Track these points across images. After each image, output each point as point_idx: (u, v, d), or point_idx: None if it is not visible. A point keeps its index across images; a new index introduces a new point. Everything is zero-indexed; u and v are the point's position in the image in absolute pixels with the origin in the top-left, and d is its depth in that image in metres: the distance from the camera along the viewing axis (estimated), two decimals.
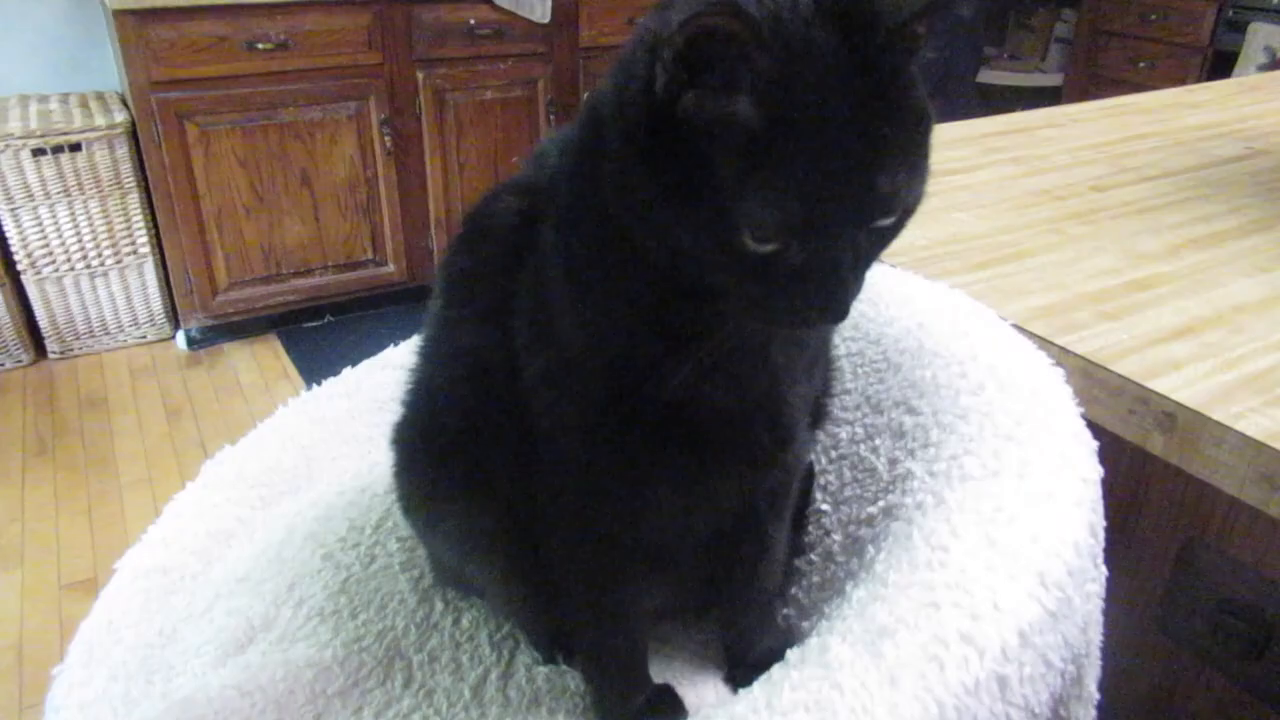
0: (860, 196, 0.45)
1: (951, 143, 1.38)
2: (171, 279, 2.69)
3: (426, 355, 0.67)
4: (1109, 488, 0.79)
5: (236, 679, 0.66)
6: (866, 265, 0.50)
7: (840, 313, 0.48)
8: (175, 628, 0.75)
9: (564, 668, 0.71)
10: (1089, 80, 3.45)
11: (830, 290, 0.47)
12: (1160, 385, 0.74)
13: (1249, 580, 0.73)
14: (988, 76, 3.84)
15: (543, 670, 0.70)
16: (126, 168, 2.57)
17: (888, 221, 0.48)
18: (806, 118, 0.43)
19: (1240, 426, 0.69)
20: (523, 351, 0.55)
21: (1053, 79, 3.77)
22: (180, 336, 2.79)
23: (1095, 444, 0.68)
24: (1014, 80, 3.83)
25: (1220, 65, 3.09)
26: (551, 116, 2.96)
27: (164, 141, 2.49)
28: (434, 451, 0.66)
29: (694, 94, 0.44)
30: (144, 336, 2.81)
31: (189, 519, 0.85)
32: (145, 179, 2.57)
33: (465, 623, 0.74)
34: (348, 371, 1.01)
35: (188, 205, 2.57)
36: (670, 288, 0.50)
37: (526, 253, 0.56)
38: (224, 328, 2.79)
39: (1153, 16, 3.25)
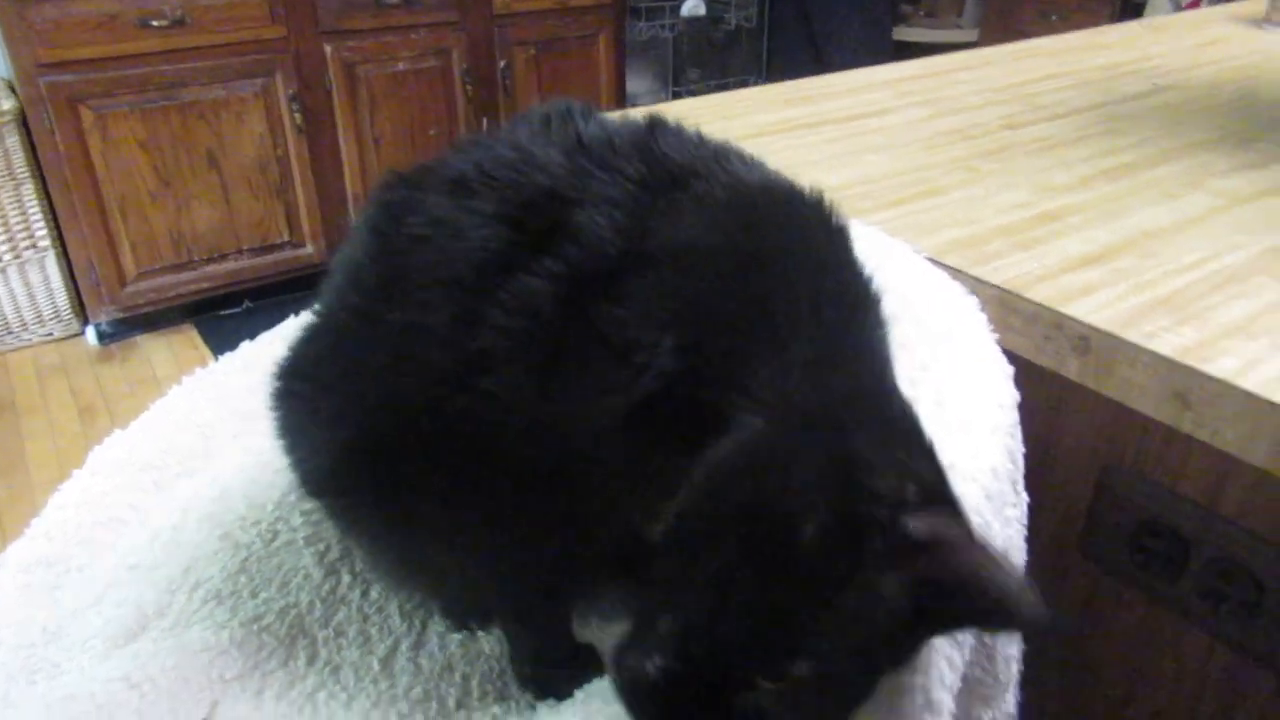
0: None
1: (864, 87, 1.37)
2: (76, 272, 2.57)
3: (345, 329, 0.60)
4: (1027, 417, 0.79)
5: (124, 670, 0.61)
6: None
7: None
8: (60, 624, 0.70)
9: (480, 634, 0.68)
10: (1004, 35, 3.47)
11: None
12: (1074, 310, 0.73)
13: (1166, 501, 0.73)
14: (905, 34, 3.86)
15: (457, 637, 0.67)
16: (19, 157, 2.44)
17: None
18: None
19: (1153, 346, 0.68)
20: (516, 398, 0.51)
21: (969, 35, 3.80)
22: (90, 331, 2.67)
23: (1011, 369, 0.67)
24: (931, 37, 3.85)
25: (1129, 17, 3.15)
26: (468, 86, 2.89)
27: (57, 128, 2.37)
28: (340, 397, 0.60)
29: (885, 551, 0.41)
30: (50, 334, 2.68)
31: (75, 509, 0.79)
32: (40, 168, 2.44)
33: (374, 594, 0.70)
34: (245, 345, 0.96)
35: (87, 194, 2.46)
36: None
37: (543, 321, 0.50)
38: (136, 320, 2.68)
39: None
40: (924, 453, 0.47)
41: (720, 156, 0.58)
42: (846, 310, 0.53)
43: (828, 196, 0.61)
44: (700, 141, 0.59)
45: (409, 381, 0.55)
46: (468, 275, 0.53)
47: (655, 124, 0.59)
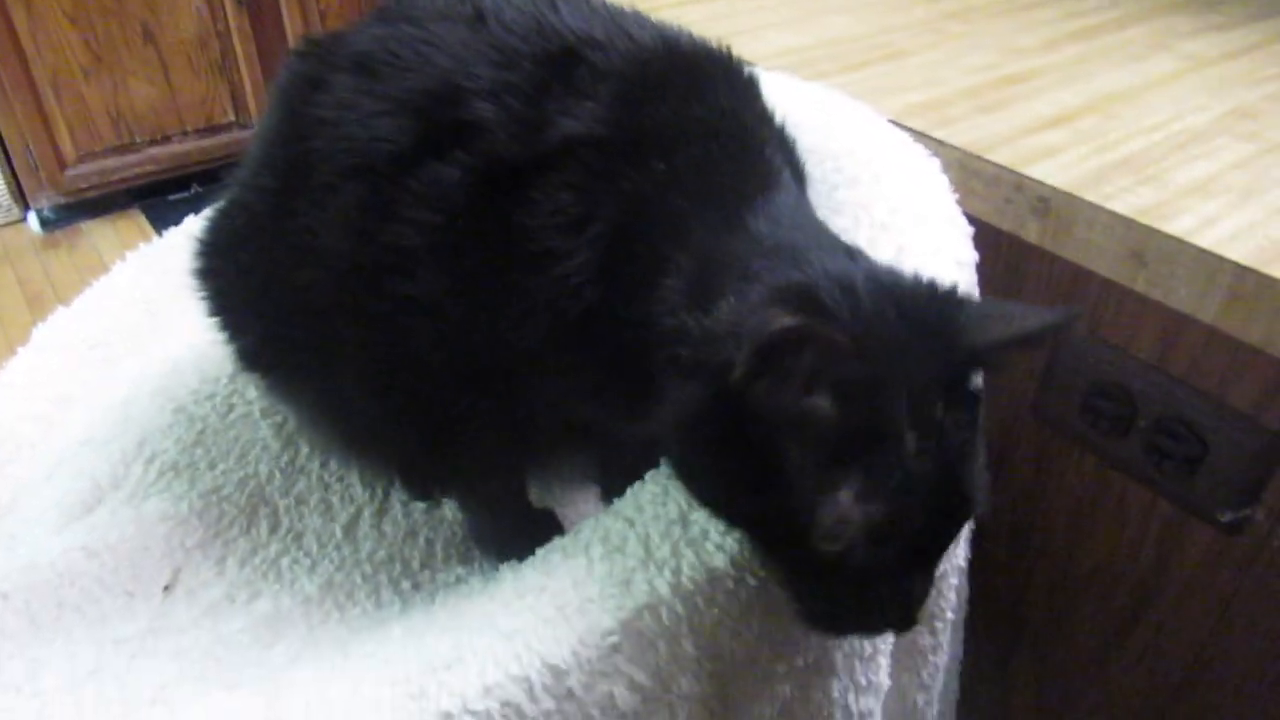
0: (948, 503, 0.43)
1: None
2: (11, 155, 2.45)
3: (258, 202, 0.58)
4: (986, 281, 0.79)
5: (82, 540, 0.61)
6: (934, 568, 0.47)
7: (908, 621, 0.46)
8: (15, 498, 0.69)
9: (445, 501, 0.68)
10: None
11: (901, 598, 0.45)
12: (1035, 171, 0.72)
13: (1117, 361, 0.75)
14: None
15: (420, 505, 0.68)
16: None
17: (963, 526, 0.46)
18: (892, 423, 0.41)
19: (1111, 206, 0.68)
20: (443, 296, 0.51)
21: None
22: (32, 218, 2.57)
23: (970, 229, 0.67)
24: None
25: None
26: None
27: None
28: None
29: (767, 383, 0.41)
30: None
31: (22, 387, 0.78)
32: None
33: (334, 465, 0.70)
34: (190, 220, 0.93)
35: (16, 71, 2.32)
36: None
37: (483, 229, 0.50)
38: (80, 205, 2.58)
39: None
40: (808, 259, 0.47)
41: (618, 19, 0.56)
42: (749, 169, 0.53)
43: (733, 49, 0.59)
44: (599, 6, 0.57)
45: (318, 275, 0.54)
46: (376, 163, 0.51)
47: None
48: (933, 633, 0.71)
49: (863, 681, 0.57)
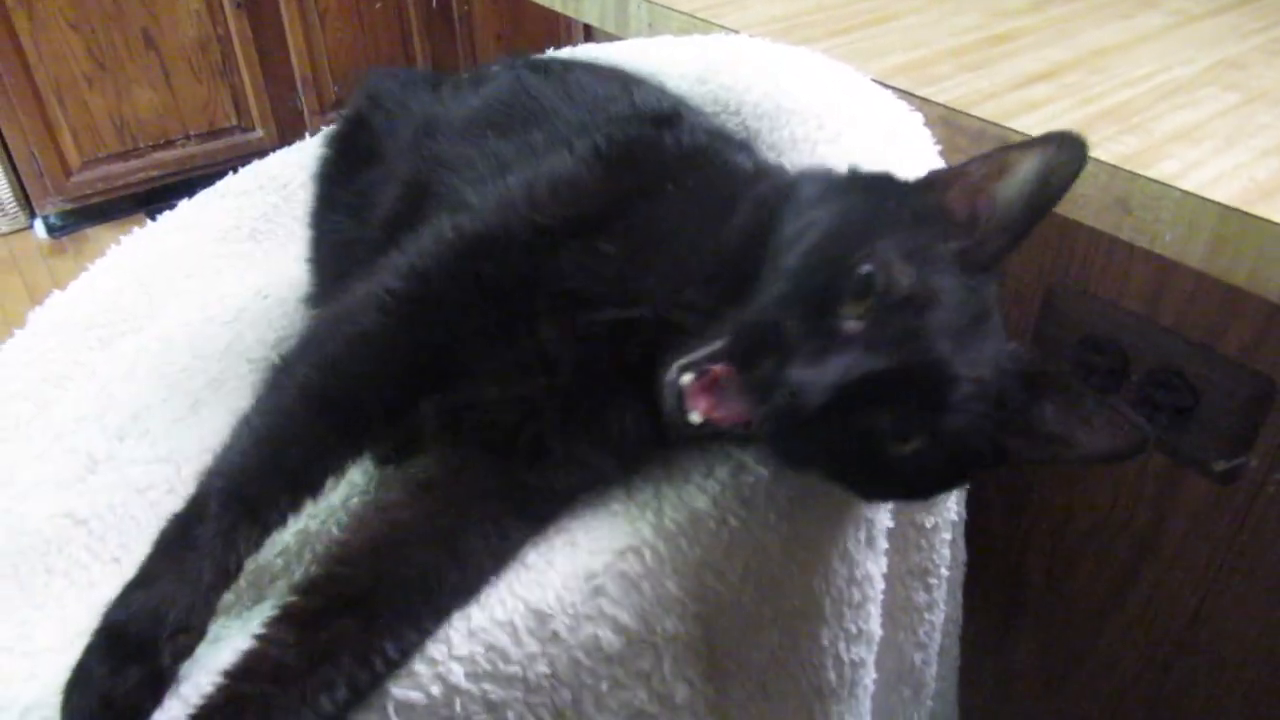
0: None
1: None
2: (17, 163, 2.47)
3: None
4: None
5: (69, 506, 0.62)
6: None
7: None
8: (10, 474, 0.69)
9: None
10: None
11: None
12: (1019, 124, 0.72)
13: (1108, 315, 0.74)
14: None
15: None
16: None
17: None
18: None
19: (1095, 154, 0.68)
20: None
21: None
22: (38, 224, 2.59)
23: None
24: None
25: None
26: None
27: None
28: None
29: None
30: None
31: (19, 366, 0.78)
32: None
33: None
34: (184, 204, 0.93)
35: (20, 79, 2.34)
36: None
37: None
38: (86, 211, 2.60)
39: None
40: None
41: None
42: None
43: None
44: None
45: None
46: None
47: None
48: (927, 589, 0.70)
49: (853, 629, 0.57)
